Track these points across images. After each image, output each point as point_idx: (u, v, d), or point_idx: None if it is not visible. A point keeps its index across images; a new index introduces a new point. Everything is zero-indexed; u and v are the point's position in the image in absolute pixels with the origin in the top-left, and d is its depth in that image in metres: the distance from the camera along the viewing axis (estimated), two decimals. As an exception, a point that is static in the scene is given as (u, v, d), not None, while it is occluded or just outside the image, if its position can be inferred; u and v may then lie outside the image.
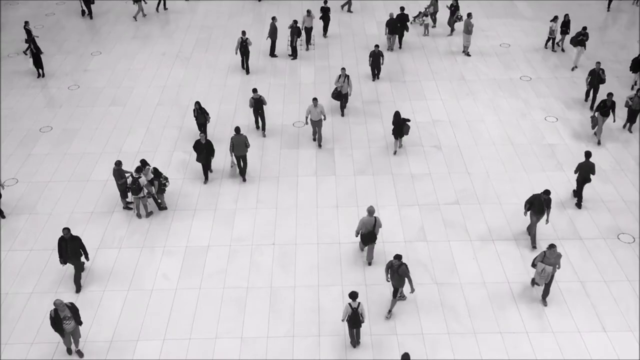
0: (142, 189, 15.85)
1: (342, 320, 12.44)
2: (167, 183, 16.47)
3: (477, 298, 13.99)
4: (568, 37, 25.48)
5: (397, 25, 24.50)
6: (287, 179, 17.83)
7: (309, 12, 24.50)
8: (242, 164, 17.48)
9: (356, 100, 21.56)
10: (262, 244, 15.55)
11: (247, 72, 23.47)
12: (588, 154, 16.06)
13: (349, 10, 28.53)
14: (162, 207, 16.68)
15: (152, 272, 14.82)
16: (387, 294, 14.06)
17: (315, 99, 18.22)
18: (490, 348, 12.86)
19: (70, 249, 13.72)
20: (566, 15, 24.00)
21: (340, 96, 20.31)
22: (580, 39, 22.60)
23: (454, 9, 25.66)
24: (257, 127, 19.99)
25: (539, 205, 14.71)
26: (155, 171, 16.30)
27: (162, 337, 13.19)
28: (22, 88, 22.74)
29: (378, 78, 22.73)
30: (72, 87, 22.75)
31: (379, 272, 14.66)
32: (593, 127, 18.90)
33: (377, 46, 22.02)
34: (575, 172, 16.24)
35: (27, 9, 29.43)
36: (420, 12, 26.82)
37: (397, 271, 12.85)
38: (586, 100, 21.06)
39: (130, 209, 16.71)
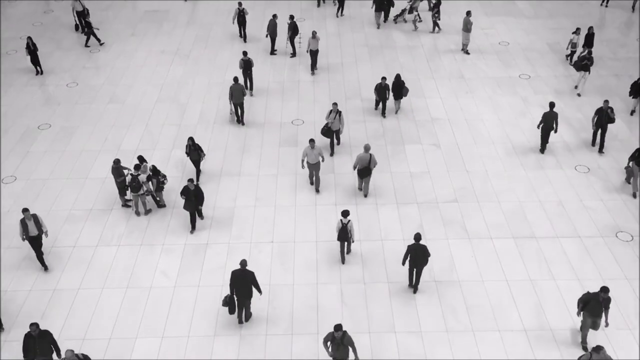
0: (141, 186, 15.85)
1: (338, 239, 14.33)
2: (165, 181, 16.45)
3: (476, 296, 14.01)
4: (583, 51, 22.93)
5: (383, 2, 25.88)
6: (285, 177, 17.83)
7: (314, 33, 22.33)
8: (239, 111, 19.83)
9: (356, 99, 21.56)
10: (261, 242, 15.55)
11: (245, 40, 25.42)
12: (552, 105, 17.94)
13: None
14: (160, 204, 16.67)
15: (150, 269, 14.82)
16: (385, 292, 14.08)
17: (312, 141, 16.43)
18: (489, 346, 12.88)
19: (40, 347, 11.47)
20: (590, 28, 22.61)
21: (330, 133, 18.34)
22: (585, 64, 20.86)
23: (434, 4, 25.87)
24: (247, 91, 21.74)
25: (595, 306, 12.21)
26: (154, 169, 16.29)
27: (161, 335, 13.19)
28: (20, 85, 22.71)
29: (384, 116, 20.40)
30: (70, 85, 22.72)
31: (378, 266, 14.68)
32: (628, 179, 17.09)
33: (384, 78, 19.70)
34: (540, 122, 18.04)
35: (26, 7, 29.37)
36: (403, 10, 26.87)
37: (342, 342, 11.33)
38: (593, 144, 18.72)
39: (129, 206, 16.71)
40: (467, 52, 24.45)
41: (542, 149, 18.46)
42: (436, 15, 25.71)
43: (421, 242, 14.63)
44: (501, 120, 20.25)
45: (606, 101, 17.92)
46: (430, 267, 14.71)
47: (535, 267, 14.74)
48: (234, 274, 12.81)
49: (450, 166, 18.17)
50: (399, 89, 20.06)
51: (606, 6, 28.49)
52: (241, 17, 24.80)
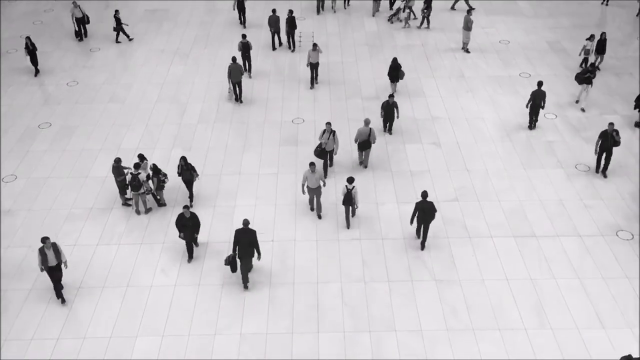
0: (142, 185, 15.85)
1: (343, 204, 15.31)
2: (165, 180, 16.44)
3: (476, 295, 14.01)
4: (594, 58, 23.05)
5: None
6: (285, 176, 17.82)
7: (315, 46, 21.30)
8: (237, 89, 20.94)
9: (356, 98, 21.56)
10: (261, 241, 15.54)
11: (244, 26, 26.53)
12: (540, 83, 18.92)
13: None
14: (161, 203, 16.67)
15: (150, 268, 14.82)
16: (385, 291, 14.08)
17: (312, 164, 15.44)
18: (489, 345, 12.88)
19: None
20: (602, 34, 22.14)
21: (324, 154, 17.26)
22: (587, 77, 19.97)
23: (425, 1, 25.95)
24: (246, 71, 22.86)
25: None
26: (155, 168, 16.28)
27: (161, 334, 13.20)
28: (20, 85, 22.71)
29: (391, 133, 19.50)
30: (70, 84, 22.72)
31: (378, 267, 14.67)
32: None
33: (391, 96, 18.65)
34: (529, 101, 18.99)
35: (26, 6, 29.36)
36: (398, 9, 26.87)
37: None
38: (597, 171, 17.55)
39: (129, 205, 16.71)
40: (467, 51, 24.45)
41: (531, 126, 19.47)
42: (425, 11, 25.80)
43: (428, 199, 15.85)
44: (501, 119, 20.25)
45: (611, 124, 16.86)
46: (430, 267, 14.72)
47: (535, 266, 14.74)
48: (237, 232, 13.42)
49: (450, 165, 18.17)
50: (396, 71, 20.82)
51: (606, 5, 28.48)
52: (241, 4, 25.81)
